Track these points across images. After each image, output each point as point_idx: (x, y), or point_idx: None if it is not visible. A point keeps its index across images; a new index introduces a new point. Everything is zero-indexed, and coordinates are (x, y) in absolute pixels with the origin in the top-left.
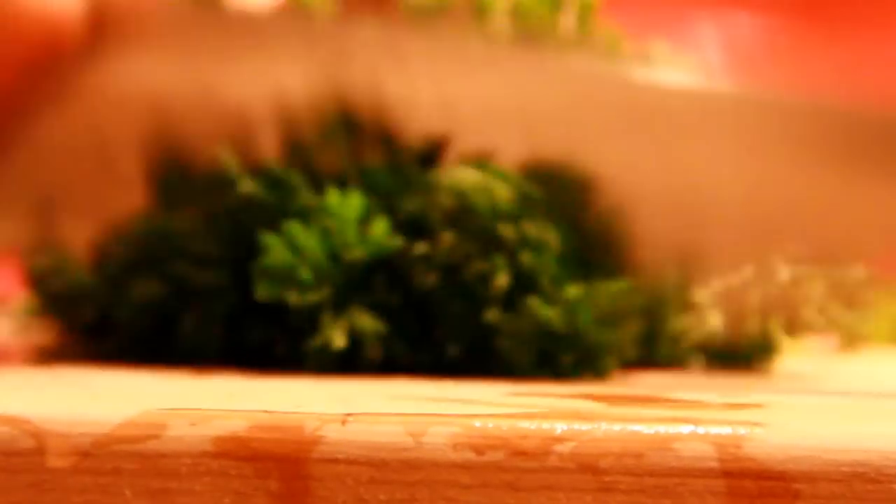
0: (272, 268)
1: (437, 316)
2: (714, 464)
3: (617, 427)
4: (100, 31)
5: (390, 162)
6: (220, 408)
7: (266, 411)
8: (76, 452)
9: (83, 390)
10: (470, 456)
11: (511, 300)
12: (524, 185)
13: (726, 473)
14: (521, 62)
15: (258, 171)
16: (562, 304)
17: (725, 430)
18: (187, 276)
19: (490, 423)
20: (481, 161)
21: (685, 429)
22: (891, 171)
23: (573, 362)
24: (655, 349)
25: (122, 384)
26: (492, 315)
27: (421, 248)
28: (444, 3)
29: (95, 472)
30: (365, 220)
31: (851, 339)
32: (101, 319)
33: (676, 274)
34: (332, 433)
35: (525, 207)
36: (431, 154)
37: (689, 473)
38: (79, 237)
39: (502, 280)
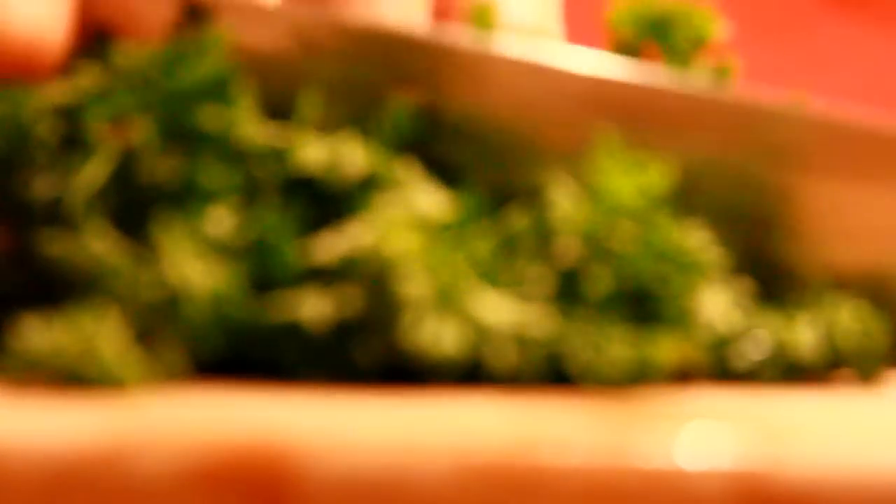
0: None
1: None
2: (732, 492)
3: (627, 461)
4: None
5: None
6: (192, 431)
7: (243, 437)
8: (36, 481)
9: (43, 409)
10: (465, 490)
11: None
12: None
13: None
14: None
15: None
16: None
17: (744, 456)
18: None
19: (488, 456)
20: None
21: (696, 457)
22: None
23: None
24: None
25: (88, 399)
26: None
27: None
28: None
29: (58, 499)
30: None
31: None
32: None
33: None
34: (317, 461)
35: None
36: None
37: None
38: None
39: None
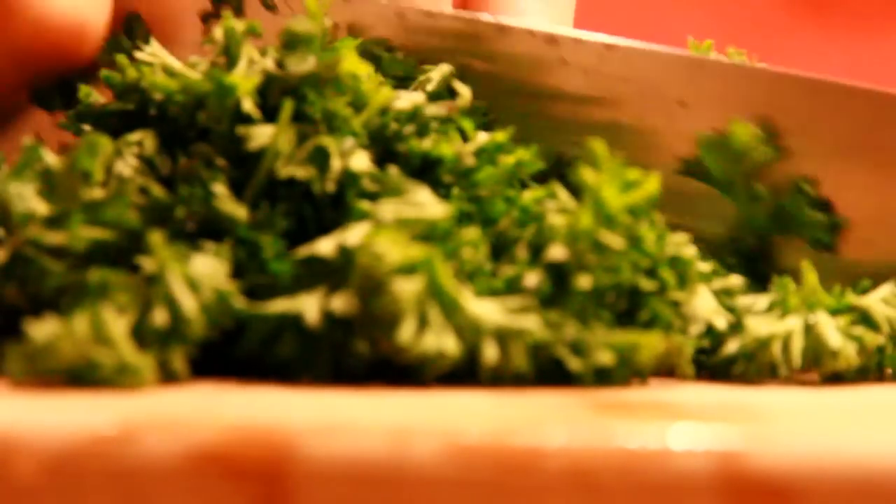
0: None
1: None
2: (714, 479)
3: (611, 441)
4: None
5: None
6: (194, 419)
7: (243, 422)
8: (44, 465)
9: (50, 398)
10: (457, 471)
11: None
12: None
13: (727, 489)
14: None
15: None
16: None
17: (725, 443)
18: None
19: (478, 437)
20: None
21: (683, 442)
22: None
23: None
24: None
25: (90, 392)
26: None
27: None
28: None
29: (65, 487)
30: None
31: None
32: None
33: None
34: (313, 446)
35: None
36: None
37: (687, 489)
38: None
39: None
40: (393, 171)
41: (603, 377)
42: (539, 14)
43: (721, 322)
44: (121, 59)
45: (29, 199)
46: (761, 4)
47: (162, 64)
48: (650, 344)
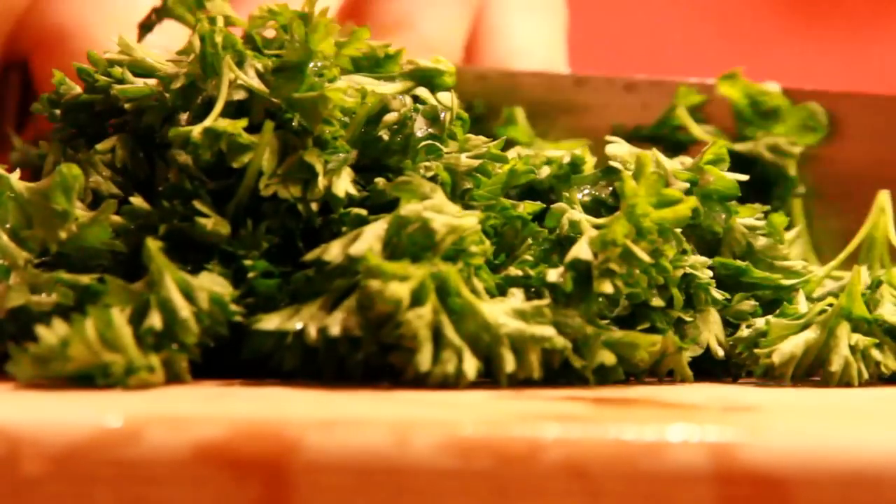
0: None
1: None
2: (707, 470)
3: (607, 433)
4: None
5: None
6: (198, 413)
7: (245, 417)
8: (51, 459)
9: (57, 395)
10: (456, 462)
11: None
12: None
13: (719, 480)
14: None
15: None
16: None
17: (719, 436)
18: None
19: (476, 429)
20: None
21: (677, 434)
22: None
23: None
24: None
25: (95, 391)
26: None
27: None
28: None
29: (71, 480)
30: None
31: None
32: None
33: None
34: (314, 439)
35: None
36: None
37: (681, 480)
38: None
39: None
40: (380, 181)
41: (602, 374)
42: (534, 31)
43: (720, 352)
44: (93, 55)
45: (6, 246)
46: (754, 9)
47: (131, 63)
48: (647, 343)
